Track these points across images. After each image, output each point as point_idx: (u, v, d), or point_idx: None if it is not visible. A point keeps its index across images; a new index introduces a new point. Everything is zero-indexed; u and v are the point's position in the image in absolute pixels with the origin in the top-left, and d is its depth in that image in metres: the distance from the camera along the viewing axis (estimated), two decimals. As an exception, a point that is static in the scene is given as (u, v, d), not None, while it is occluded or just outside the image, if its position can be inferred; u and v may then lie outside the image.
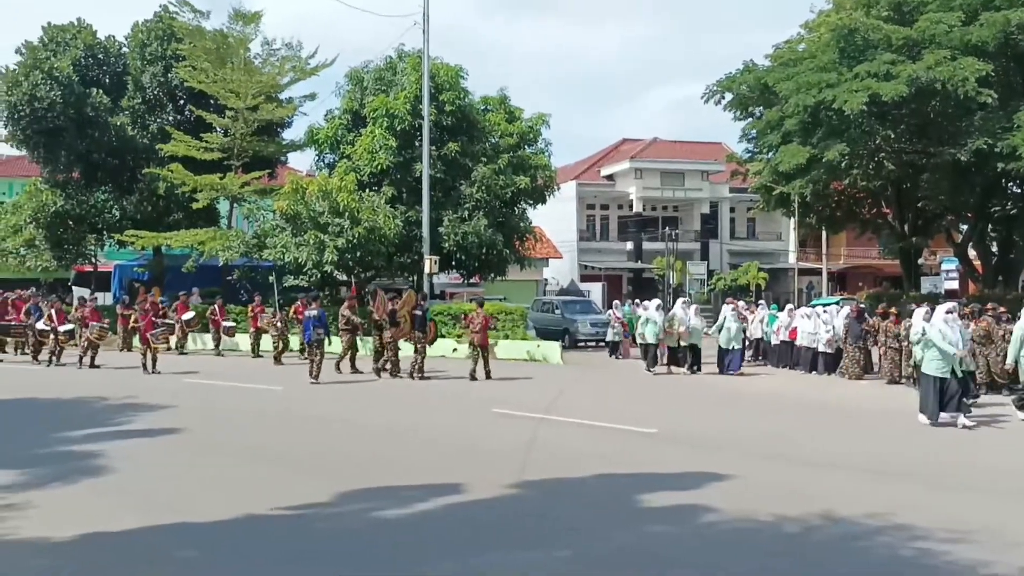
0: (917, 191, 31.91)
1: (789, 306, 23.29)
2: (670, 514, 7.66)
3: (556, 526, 7.31)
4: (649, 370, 20.66)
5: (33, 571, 6.18)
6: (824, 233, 45.21)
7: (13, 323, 23.80)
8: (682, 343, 20.72)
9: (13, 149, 37.53)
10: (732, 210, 58.47)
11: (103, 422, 12.69)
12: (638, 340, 21.74)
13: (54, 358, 21.57)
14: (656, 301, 22.81)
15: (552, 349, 23.49)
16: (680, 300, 23.01)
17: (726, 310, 20.68)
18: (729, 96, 32.36)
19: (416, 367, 18.62)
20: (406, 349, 19.50)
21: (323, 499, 8.03)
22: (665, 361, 21.31)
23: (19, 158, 45.70)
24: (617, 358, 25.06)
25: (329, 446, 11.09)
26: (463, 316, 21.19)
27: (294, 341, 22.79)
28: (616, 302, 28.88)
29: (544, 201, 31.32)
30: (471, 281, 33.40)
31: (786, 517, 7.46)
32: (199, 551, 6.65)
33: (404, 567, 6.26)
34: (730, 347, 20.22)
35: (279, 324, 22.82)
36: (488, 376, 18.53)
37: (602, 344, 29.26)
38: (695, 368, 20.73)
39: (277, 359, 22.30)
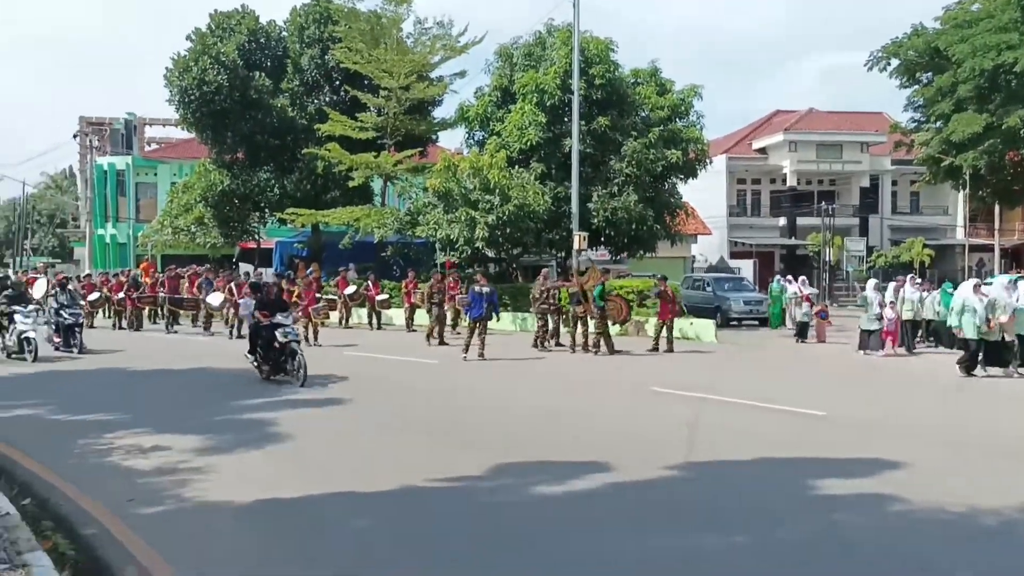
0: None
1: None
2: (852, 502, 7.21)
3: (729, 510, 7.02)
4: (970, 374, 15.74)
5: (218, 532, 6.42)
6: (997, 207, 42.28)
7: (186, 297, 25.25)
8: (1007, 337, 15.93)
9: (184, 132, 39.81)
10: (894, 183, 55.59)
11: (274, 392, 13.20)
12: (956, 334, 16.57)
13: (232, 330, 22.72)
14: (873, 281, 20.38)
15: (706, 327, 22.88)
16: (1005, 278, 17.90)
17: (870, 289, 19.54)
18: (895, 62, 30.58)
19: (592, 343, 19.09)
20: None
21: (478, 472, 8.02)
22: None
23: (188, 140, 48.51)
24: (801, 342, 22.16)
25: (485, 421, 11.12)
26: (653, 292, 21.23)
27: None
28: (803, 278, 27.64)
29: (695, 175, 30.51)
30: (616, 258, 33.01)
31: (979, 508, 6.90)
32: (372, 520, 6.75)
33: (582, 546, 6.13)
34: (879, 328, 19.05)
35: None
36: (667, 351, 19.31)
37: (756, 323, 28.42)
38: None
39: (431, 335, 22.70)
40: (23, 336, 17.16)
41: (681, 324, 22.35)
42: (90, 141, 54.00)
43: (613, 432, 10.29)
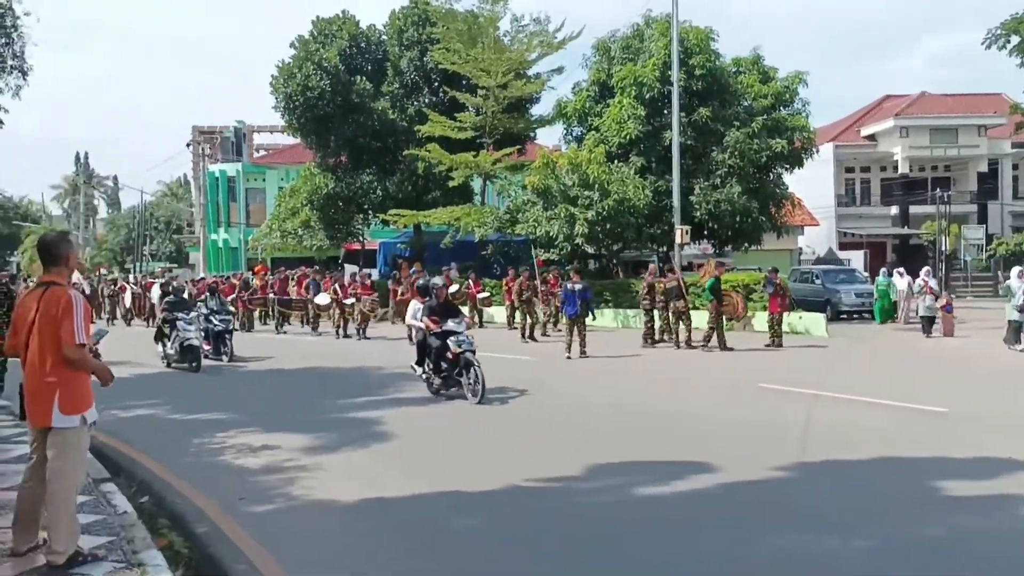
0: None
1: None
2: (979, 505, 6.80)
3: (844, 511, 6.71)
4: None
5: (325, 531, 6.48)
6: None
7: (295, 298, 25.92)
8: None
9: (289, 138, 40.88)
10: (1015, 167, 52.78)
11: (380, 390, 13.39)
12: None
13: (339, 330, 23.21)
14: (1017, 268, 18.66)
15: (816, 321, 22.16)
16: None
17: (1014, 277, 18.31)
18: (1015, 39, 28.96)
19: (704, 337, 18.91)
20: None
21: (580, 473, 7.91)
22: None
23: (294, 146, 49.79)
24: (928, 337, 21.06)
25: (588, 420, 10.99)
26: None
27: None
28: (927, 269, 26.29)
29: (801, 164, 29.61)
30: (718, 252, 32.37)
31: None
32: (476, 520, 6.71)
33: (681, 547, 5.96)
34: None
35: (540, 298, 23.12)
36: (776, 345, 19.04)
37: (867, 316, 27.35)
38: None
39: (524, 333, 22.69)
40: (186, 344, 16.47)
41: (790, 318, 21.72)
42: (202, 149, 56.05)
43: (720, 431, 10.01)
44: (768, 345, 19.04)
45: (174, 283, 21.32)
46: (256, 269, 31.55)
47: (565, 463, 8.20)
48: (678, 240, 25.38)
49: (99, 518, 6.20)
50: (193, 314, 17.21)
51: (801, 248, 47.40)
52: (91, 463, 7.02)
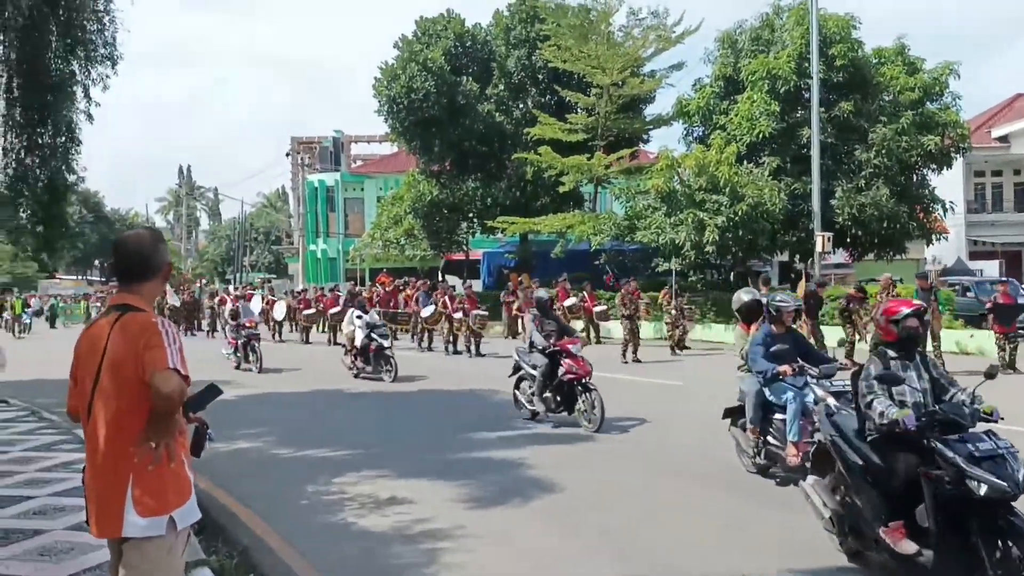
0: None
1: None
2: None
3: None
4: None
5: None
6: None
7: (400, 311, 24.29)
8: None
9: (388, 148, 39.70)
10: None
11: (503, 420, 11.42)
12: None
13: (448, 346, 21.48)
14: None
15: (989, 340, 19.36)
16: None
17: None
18: None
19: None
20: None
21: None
22: None
23: (393, 156, 48.78)
24: None
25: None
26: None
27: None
28: None
29: (950, 164, 26.82)
30: (838, 262, 29.63)
31: None
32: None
33: None
34: None
35: (674, 311, 21.01)
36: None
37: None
38: None
39: (675, 347, 20.57)
40: (383, 352, 15.88)
41: (958, 336, 19.06)
42: (301, 159, 55.65)
43: None
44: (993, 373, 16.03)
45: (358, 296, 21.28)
46: (380, 279, 29.98)
47: (757, 523, 6.11)
48: (819, 248, 22.85)
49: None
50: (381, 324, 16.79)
51: (926, 258, 44.03)
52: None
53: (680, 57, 47.51)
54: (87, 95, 13.45)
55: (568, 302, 23.68)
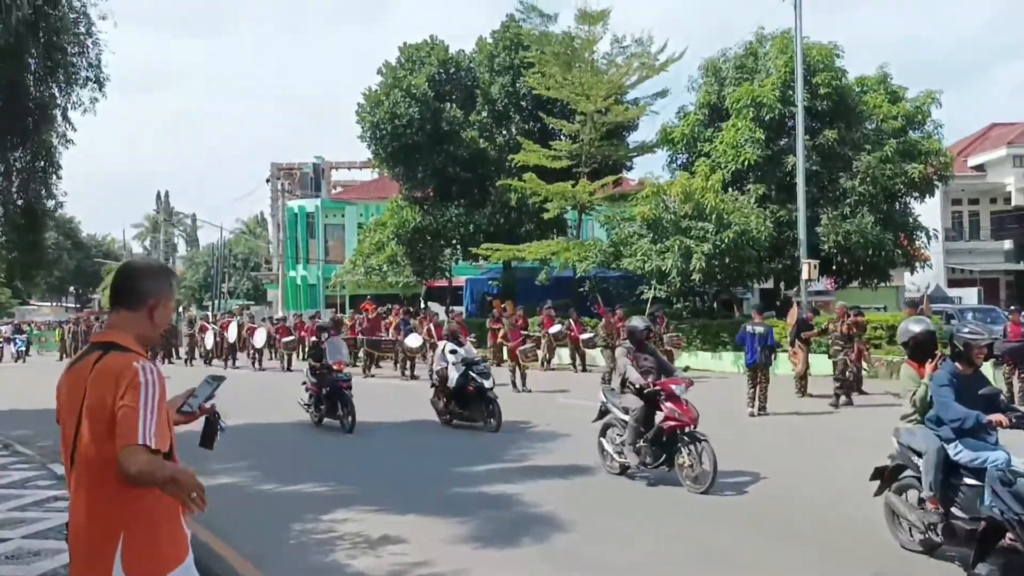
0: None
1: None
2: None
3: None
4: None
5: None
6: None
7: (384, 339, 23.89)
8: None
9: (368, 174, 39.44)
10: None
11: (504, 454, 11.13)
12: None
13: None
14: None
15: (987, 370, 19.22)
16: None
17: None
18: None
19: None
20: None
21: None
22: None
23: (373, 182, 48.52)
24: None
25: (788, 497, 8.58)
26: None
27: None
28: None
29: (932, 193, 26.94)
30: (819, 289, 29.63)
31: None
32: None
33: None
34: None
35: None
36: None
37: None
38: None
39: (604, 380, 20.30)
40: (485, 395, 13.30)
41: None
42: (281, 185, 55.26)
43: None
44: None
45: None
46: (363, 306, 29.58)
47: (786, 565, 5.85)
48: (805, 275, 22.79)
49: None
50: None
51: (906, 285, 44.24)
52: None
53: (664, 85, 48.28)
54: (66, 118, 13.16)
55: (553, 329, 23.50)
